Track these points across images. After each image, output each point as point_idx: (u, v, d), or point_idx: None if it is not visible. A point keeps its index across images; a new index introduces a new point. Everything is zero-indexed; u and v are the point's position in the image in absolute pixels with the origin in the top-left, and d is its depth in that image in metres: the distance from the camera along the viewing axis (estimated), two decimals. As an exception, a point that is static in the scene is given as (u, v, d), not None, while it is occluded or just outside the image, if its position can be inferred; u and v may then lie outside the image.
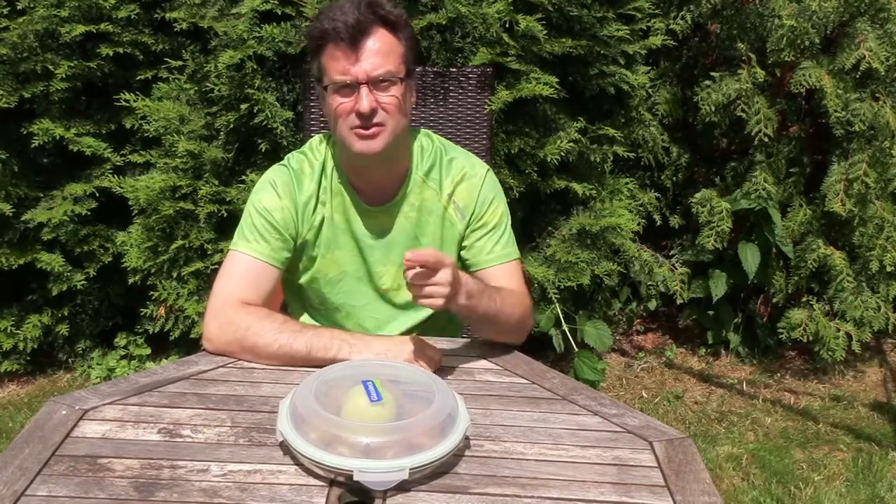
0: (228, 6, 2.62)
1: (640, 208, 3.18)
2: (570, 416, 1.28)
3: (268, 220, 1.47)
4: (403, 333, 1.56)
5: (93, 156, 2.77)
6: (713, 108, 3.09)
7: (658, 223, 3.32)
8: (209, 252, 2.70)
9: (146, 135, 2.72)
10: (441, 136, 1.62)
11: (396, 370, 1.26)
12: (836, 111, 2.94)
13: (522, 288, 1.55)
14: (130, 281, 2.79)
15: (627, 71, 2.81)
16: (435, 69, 2.12)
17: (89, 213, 2.76)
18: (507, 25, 2.57)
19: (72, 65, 2.66)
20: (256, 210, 1.48)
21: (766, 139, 3.04)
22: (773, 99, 3.13)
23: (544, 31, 2.57)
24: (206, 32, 2.63)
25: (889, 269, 3.07)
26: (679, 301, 3.22)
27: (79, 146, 2.74)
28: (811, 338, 3.09)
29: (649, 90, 3.10)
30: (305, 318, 1.63)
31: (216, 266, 2.45)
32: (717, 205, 3.07)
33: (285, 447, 1.12)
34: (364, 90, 1.37)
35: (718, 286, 3.18)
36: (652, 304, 3.38)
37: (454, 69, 2.10)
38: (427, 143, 1.56)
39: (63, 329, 2.92)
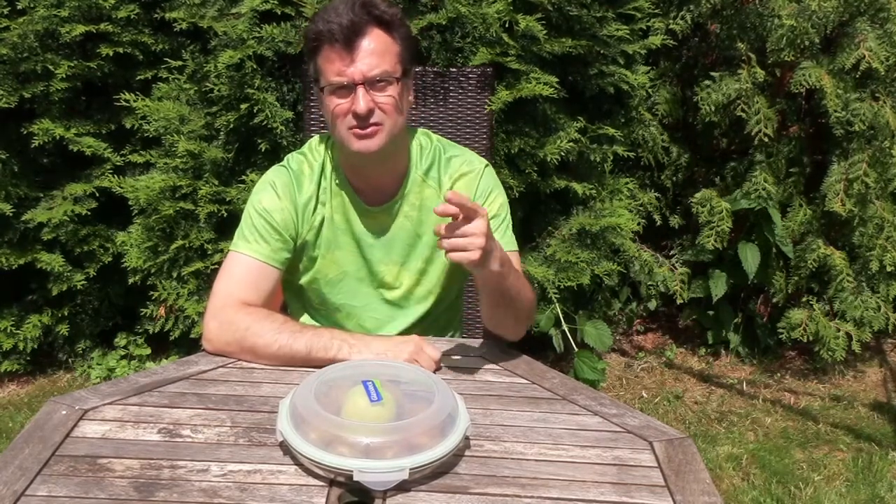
0: (228, 6, 2.62)
1: (640, 208, 3.18)
2: (570, 416, 1.28)
3: (267, 220, 1.48)
4: (403, 333, 1.55)
5: (93, 156, 2.77)
6: (713, 108, 3.09)
7: (658, 223, 3.32)
8: (209, 252, 2.70)
9: (146, 135, 2.72)
10: (441, 135, 1.62)
11: (396, 370, 1.26)
12: (835, 111, 2.94)
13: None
14: (130, 281, 2.79)
15: (627, 71, 2.81)
16: (435, 69, 2.12)
17: (89, 213, 2.77)
18: (506, 25, 2.57)
19: (72, 65, 2.66)
20: (256, 211, 1.49)
21: (766, 139, 3.04)
22: (773, 99, 3.13)
23: (544, 31, 2.57)
24: (206, 32, 2.63)
25: (889, 269, 3.07)
26: (679, 301, 3.22)
27: (79, 146, 2.74)
28: (811, 338, 3.09)
29: (649, 90, 3.10)
30: (306, 318, 1.63)
31: (216, 266, 2.45)
32: (717, 205, 3.07)
33: (285, 447, 1.12)
34: (360, 91, 1.37)
35: (718, 286, 3.18)
36: (652, 304, 3.38)
37: (454, 69, 2.09)
38: (426, 142, 1.56)
39: (63, 329, 2.92)
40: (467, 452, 1.16)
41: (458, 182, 1.54)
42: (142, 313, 2.86)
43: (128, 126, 2.77)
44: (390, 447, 1.07)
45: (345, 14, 1.36)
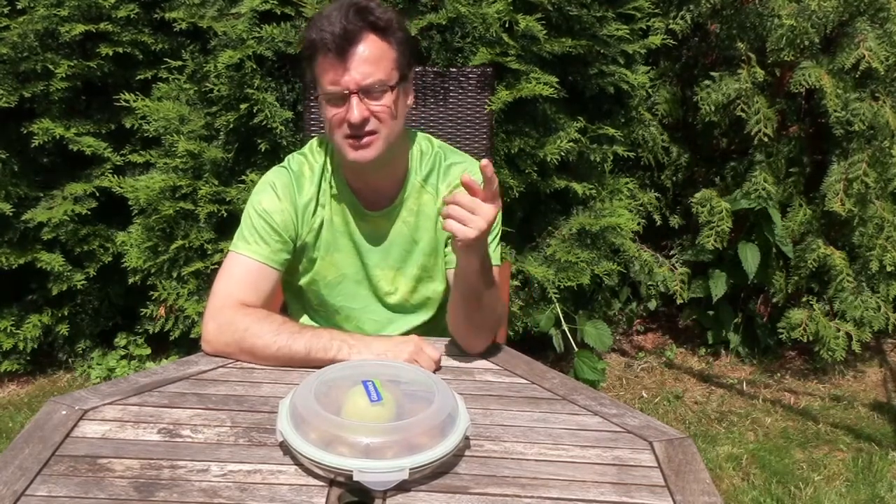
0: (228, 6, 2.62)
1: (640, 208, 3.18)
2: (570, 416, 1.28)
3: (267, 221, 1.47)
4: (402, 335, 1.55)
5: (93, 155, 2.77)
6: (713, 108, 3.09)
7: (658, 223, 3.32)
8: (209, 252, 2.70)
9: (146, 135, 2.72)
10: (441, 136, 1.62)
11: (396, 370, 1.26)
12: (835, 111, 2.94)
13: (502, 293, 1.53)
14: (130, 281, 2.79)
15: (627, 71, 2.81)
16: (435, 69, 2.12)
17: (89, 212, 2.76)
18: (506, 25, 2.56)
19: (72, 64, 2.66)
20: (256, 212, 1.48)
21: (765, 139, 3.04)
22: (772, 99, 3.13)
23: (544, 31, 2.57)
24: (206, 32, 2.63)
25: (889, 269, 3.07)
26: (679, 301, 3.22)
27: (79, 146, 2.74)
28: (811, 338, 3.09)
29: (649, 90, 3.09)
30: (305, 319, 1.63)
31: (216, 266, 2.45)
32: (717, 205, 3.07)
33: (285, 447, 1.12)
34: (354, 100, 1.37)
35: (718, 286, 3.18)
36: (652, 304, 3.38)
37: (454, 69, 2.09)
38: (426, 148, 1.56)
39: (63, 329, 2.92)
40: (467, 452, 1.16)
41: (456, 190, 1.53)
42: (142, 313, 2.86)
43: (128, 126, 2.77)
44: (390, 447, 1.07)
45: (337, 22, 1.35)
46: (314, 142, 1.56)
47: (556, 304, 2.84)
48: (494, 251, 1.54)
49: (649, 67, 3.04)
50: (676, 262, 3.30)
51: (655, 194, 3.31)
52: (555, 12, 2.63)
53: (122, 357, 3.03)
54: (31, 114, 2.73)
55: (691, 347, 3.42)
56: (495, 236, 1.54)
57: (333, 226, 1.52)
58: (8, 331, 2.86)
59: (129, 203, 2.72)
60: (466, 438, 1.15)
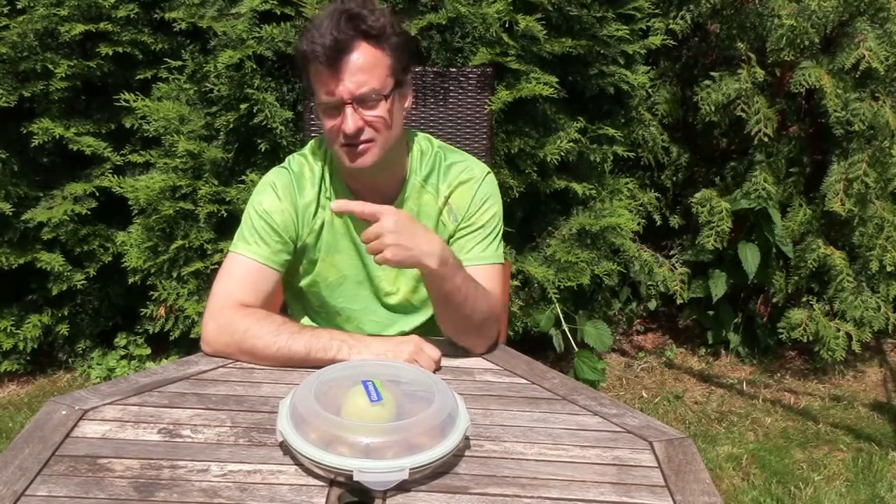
0: (228, 6, 2.62)
1: (640, 208, 3.18)
2: (570, 416, 1.28)
3: (268, 222, 1.47)
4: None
5: (93, 155, 2.77)
6: (713, 108, 3.09)
7: (658, 223, 3.32)
8: (209, 252, 2.70)
9: (146, 135, 2.72)
10: (441, 136, 1.62)
11: (396, 370, 1.26)
12: (835, 111, 2.94)
13: (497, 294, 1.50)
14: (130, 281, 2.79)
15: (627, 71, 2.81)
16: (435, 69, 2.12)
17: (89, 212, 2.76)
18: (506, 25, 2.56)
19: (71, 64, 2.66)
20: (256, 212, 1.48)
21: (765, 139, 3.04)
22: (772, 99, 3.13)
23: (544, 31, 2.57)
24: (206, 32, 2.63)
25: (889, 269, 3.08)
26: (679, 301, 3.22)
27: (79, 146, 2.74)
28: (811, 338, 3.09)
29: (649, 90, 3.09)
30: (306, 320, 1.63)
31: (216, 266, 2.45)
32: (717, 205, 3.07)
33: (285, 447, 1.12)
34: (349, 110, 1.36)
35: (718, 286, 3.18)
36: (652, 304, 3.38)
37: (454, 69, 2.09)
38: (426, 148, 1.56)
39: (63, 329, 2.92)
40: (467, 452, 1.16)
41: (456, 190, 1.53)
42: (142, 313, 2.86)
43: (128, 126, 2.77)
44: (390, 447, 1.07)
45: (328, 33, 1.33)
46: (314, 143, 1.56)
47: (556, 304, 2.84)
48: (496, 250, 1.54)
49: (649, 67, 3.04)
50: (676, 262, 3.30)
51: (655, 194, 3.31)
52: (555, 12, 2.63)
53: (122, 357, 3.03)
54: (30, 113, 2.72)
55: (691, 347, 3.42)
56: (491, 233, 1.54)
57: (334, 227, 1.52)
58: (8, 331, 2.86)
59: (129, 203, 2.72)
60: (466, 438, 1.15)
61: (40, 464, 1.09)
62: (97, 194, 2.79)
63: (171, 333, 2.86)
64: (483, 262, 1.52)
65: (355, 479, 1.04)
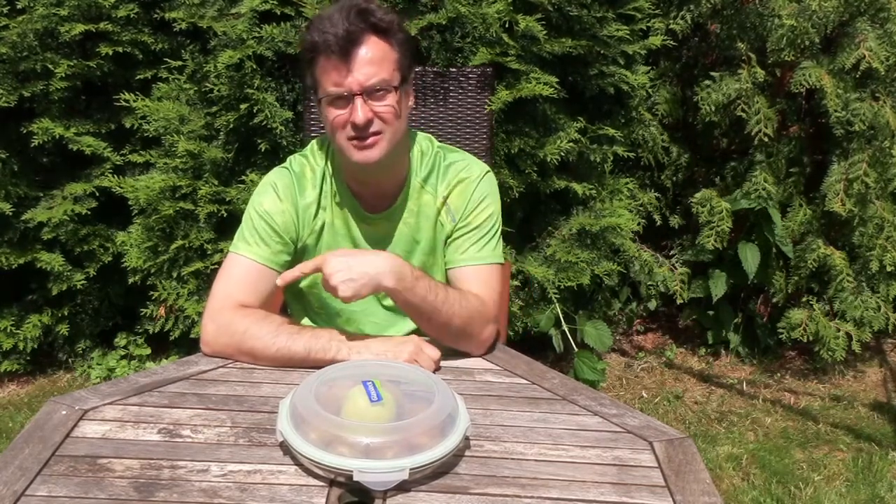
0: (228, 6, 2.62)
1: (640, 208, 3.18)
2: (570, 416, 1.28)
3: (268, 222, 1.47)
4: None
5: (93, 155, 2.77)
6: (713, 108, 3.08)
7: (658, 223, 3.32)
8: (209, 252, 2.70)
9: (146, 135, 2.72)
10: (441, 136, 1.62)
11: (396, 370, 1.26)
12: (836, 111, 2.93)
13: (488, 296, 1.49)
14: (130, 281, 2.79)
15: (627, 71, 2.81)
16: (435, 69, 2.12)
17: (89, 212, 2.76)
18: (506, 25, 2.56)
19: (71, 64, 2.66)
20: (257, 212, 1.48)
21: (766, 139, 3.04)
22: (773, 99, 3.13)
23: (544, 31, 2.57)
24: (206, 32, 2.63)
25: (889, 269, 3.07)
26: (679, 301, 3.22)
27: (78, 145, 2.73)
28: (811, 338, 3.09)
29: (649, 90, 3.09)
30: (306, 321, 1.63)
31: (216, 266, 2.45)
32: (717, 205, 3.07)
33: (285, 447, 1.12)
34: (358, 101, 1.36)
35: (718, 286, 3.18)
36: (652, 304, 3.38)
37: (454, 69, 2.09)
38: (427, 148, 1.55)
39: (63, 329, 2.92)
40: (467, 452, 1.16)
41: (454, 189, 1.52)
42: (142, 313, 2.86)
43: (128, 126, 2.76)
44: (390, 447, 1.07)
45: (340, 23, 1.34)
46: (315, 144, 1.56)
47: (556, 305, 2.84)
48: (494, 250, 1.54)
49: (649, 68, 3.04)
50: (676, 262, 3.30)
51: (655, 194, 3.31)
52: (555, 12, 2.63)
53: (122, 357, 3.03)
54: (30, 113, 2.72)
55: (691, 347, 3.42)
56: (488, 233, 1.54)
57: (335, 229, 1.52)
58: (8, 331, 2.86)
59: (129, 203, 2.72)
60: (466, 438, 1.15)
61: (40, 464, 1.09)
62: (97, 194, 2.79)
63: (171, 333, 2.85)
64: (480, 262, 1.52)
65: (355, 479, 1.04)
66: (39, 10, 2.59)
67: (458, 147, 1.65)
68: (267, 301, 1.47)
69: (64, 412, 1.21)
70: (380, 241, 1.53)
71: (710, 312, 3.32)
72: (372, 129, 1.39)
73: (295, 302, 1.64)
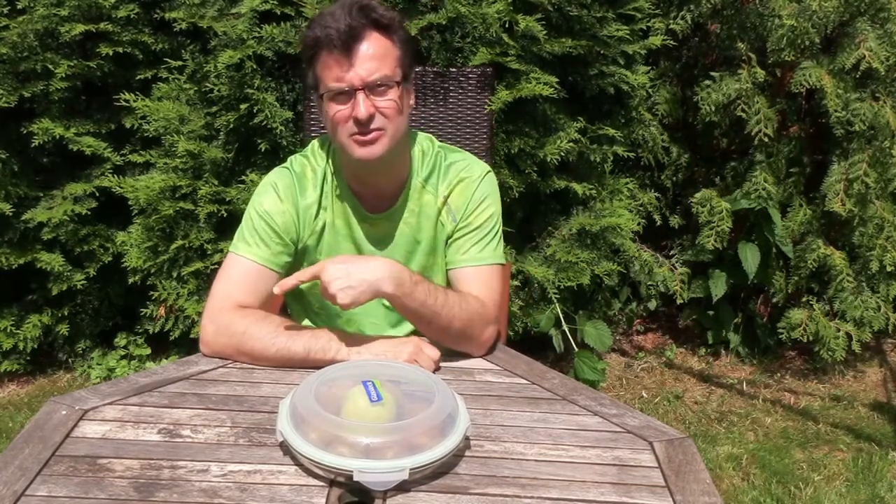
0: (228, 6, 2.62)
1: (640, 208, 3.18)
2: (570, 416, 1.28)
3: (268, 223, 1.47)
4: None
5: (93, 155, 2.77)
6: (713, 108, 3.09)
7: (658, 223, 3.32)
8: (209, 252, 2.70)
9: (146, 135, 2.72)
10: (441, 136, 1.61)
11: (396, 370, 1.26)
12: (836, 111, 2.93)
13: (489, 297, 1.48)
14: (130, 281, 2.79)
15: (627, 71, 2.81)
16: (435, 69, 2.12)
17: (89, 212, 2.76)
18: (506, 25, 2.56)
19: (71, 64, 2.66)
20: (257, 213, 1.48)
21: (766, 139, 3.04)
22: (773, 99, 3.13)
23: (544, 31, 2.57)
24: (206, 32, 2.63)
25: (889, 269, 3.07)
26: (679, 301, 3.22)
27: (79, 146, 2.74)
28: (811, 338, 3.09)
29: (649, 90, 3.09)
30: (306, 322, 1.63)
31: (216, 266, 2.45)
32: (717, 205, 3.07)
33: (285, 447, 1.12)
34: (360, 96, 1.36)
35: (718, 286, 3.18)
36: (652, 304, 3.38)
37: (454, 69, 2.09)
38: (427, 148, 1.55)
39: (63, 329, 2.92)
40: (467, 452, 1.16)
41: (455, 189, 1.52)
42: (142, 313, 2.86)
43: (128, 126, 2.77)
44: (390, 447, 1.07)
45: (342, 19, 1.34)
46: (315, 144, 1.56)
47: (556, 305, 2.84)
48: (495, 250, 1.54)
49: (649, 68, 3.04)
50: (676, 262, 3.30)
51: (655, 194, 3.31)
52: (555, 12, 2.63)
53: (122, 357, 3.03)
54: (30, 114, 2.72)
55: (691, 347, 3.42)
56: (489, 233, 1.54)
57: (335, 229, 1.52)
58: (8, 331, 2.86)
59: (129, 203, 2.72)
60: (466, 438, 1.15)
61: (40, 464, 1.09)
62: (97, 194, 2.79)
63: (171, 333, 2.86)
64: (480, 262, 1.52)
65: (355, 479, 1.04)
66: (40, 10, 2.59)
67: (459, 147, 1.65)
68: (266, 302, 1.47)
69: (64, 412, 1.21)
70: (381, 242, 1.53)
71: (710, 312, 3.33)
72: (374, 125, 1.38)
73: (295, 303, 1.64)
